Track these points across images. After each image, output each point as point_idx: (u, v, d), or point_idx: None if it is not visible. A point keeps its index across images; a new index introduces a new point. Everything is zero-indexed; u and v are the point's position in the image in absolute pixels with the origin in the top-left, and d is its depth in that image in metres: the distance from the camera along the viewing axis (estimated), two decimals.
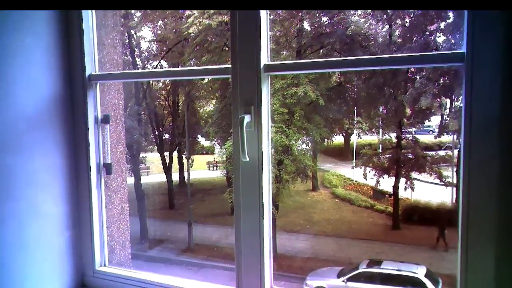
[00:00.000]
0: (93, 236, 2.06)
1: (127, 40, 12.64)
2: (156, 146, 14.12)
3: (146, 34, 13.66)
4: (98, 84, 2.04)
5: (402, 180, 10.45)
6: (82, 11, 1.93)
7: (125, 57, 12.33)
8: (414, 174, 10.40)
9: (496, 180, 1.35)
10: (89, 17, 1.97)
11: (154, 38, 13.53)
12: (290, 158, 10.26)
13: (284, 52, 10.77)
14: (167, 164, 13.74)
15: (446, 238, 9.69)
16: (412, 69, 9.45)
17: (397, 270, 8.86)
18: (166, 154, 13.89)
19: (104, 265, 2.13)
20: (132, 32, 13.09)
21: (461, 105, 1.39)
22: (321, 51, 10.37)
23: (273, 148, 9.85)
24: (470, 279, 1.40)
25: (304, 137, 10.87)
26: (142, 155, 13.78)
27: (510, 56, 1.30)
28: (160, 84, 14.14)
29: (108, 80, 2.12)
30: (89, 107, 2.01)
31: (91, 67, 2.01)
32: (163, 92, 14.60)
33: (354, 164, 12.22)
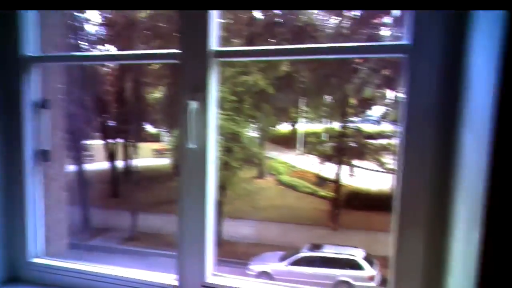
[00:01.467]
0: (26, 225, 1.96)
1: (73, 23, 12.03)
2: (100, 133, 13.63)
3: (94, 17, 13.05)
4: (36, 66, 1.93)
5: (344, 167, 10.83)
6: None
7: (70, 40, 11.74)
8: (356, 162, 10.80)
9: (429, 168, 1.42)
10: None
11: (102, 21, 12.97)
12: (239, 146, 10.29)
13: (235, 40, 10.73)
14: (112, 151, 13.32)
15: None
16: (357, 60, 9.75)
17: (336, 253, 9.21)
18: (111, 141, 13.45)
19: (38, 257, 2.04)
20: (78, 14, 12.47)
21: (402, 96, 1.44)
22: (272, 40, 10.43)
23: (223, 135, 9.84)
24: (401, 259, 1.48)
25: (253, 125, 10.94)
26: (86, 142, 13.26)
27: (450, 50, 1.36)
28: (106, 69, 13.62)
29: (48, 62, 2.01)
30: (26, 91, 1.90)
31: (29, 48, 1.90)
32: (110, 77, 14.07)
33: (299, 151, 12.49)
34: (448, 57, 1.35)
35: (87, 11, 12.46)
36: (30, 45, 1.90)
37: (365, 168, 10.94)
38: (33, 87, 1.92)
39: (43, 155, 1.98)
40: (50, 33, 2.09)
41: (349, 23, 10.18)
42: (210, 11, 1.60)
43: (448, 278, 1.36)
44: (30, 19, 1.88)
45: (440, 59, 1.35)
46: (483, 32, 1.11)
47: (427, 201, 1.43)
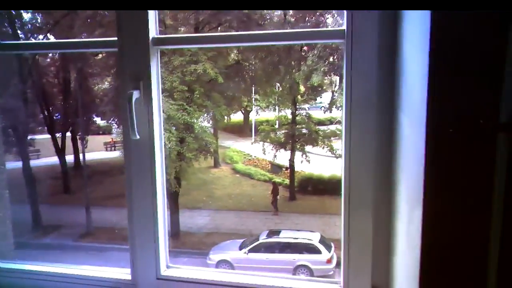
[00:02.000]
0: None
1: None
2: (46, 127, 13.03)
3: None
4: None
5: (298, 154, 11.01)
6: None
7: (4, 29, 11.10)
8: (308, 148, 11.01)
9: (372, 152, 1.47)
10: None
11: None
12: (192, 136, 10.19)
13: (182, 29, 10.54)
14: (60, 146, 12.80)
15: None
16: (305, 47, 9.86)
17: (294, 238, 9.39)
18: (58, 135, 12.91)
19: None
20: None
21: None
22: (219, 28, 10.33)
23: (175, 126, 9.69)
24: (351, 241, 1.53)
25: (205, 115, 10.86)
26: (30, 137, 12.65)
27: (385, 35, 1.40)
28: (48, 60, 13.00)
29: None
30: None
31: None
32: (52, 68, 13.43)
33: (253, 140, 12.57)
34: (384, 42, 1.39)
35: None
36: None
37: (317, 154, 11.16)
38: None
39: None
40: None
41: (294, 10, 10.26)
42: None
43: (394, 256, 1.42)
44: None
45: (377, 44, 1.40)
46: (414, 19, 1.15)
47: (372, 183, 1.48)
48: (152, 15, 1.59)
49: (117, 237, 10.49)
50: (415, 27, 1.14)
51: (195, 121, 10.27)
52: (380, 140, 1.45)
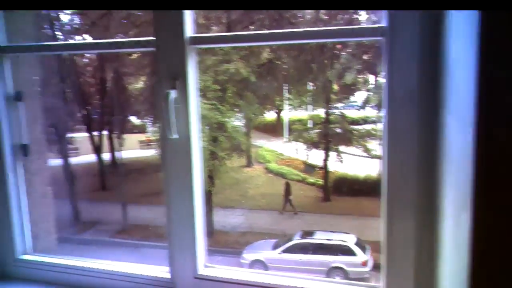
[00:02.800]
0: (12, 222, 1.93)
1: (46, 11, 11.75)
2: (84, 126, 13.44)
3: None
4: (6, 57, 1.87)
5: (332, 154, 10.87)
6: None
7: (44, 31, 11.50)
8: (342, 148, 10.85)
9: (415, 152, 1.42)
10: None
11: (76, 10, 12.70)
12: (225, 135, 10.25)
13: (214, 28, 10.61)
14: (97, 144, 13.17)
15: None
16: (338, 45, 9.73)
17: (328, 239, 9.27)
18: (96, 133, 13.28)
19: (27, 253, 2.01)
20: None
21: (383, 80, 1.43)
22: (251, 27, 10.34)
23: (208, 125, 9.77)
24: (392, 244, 1.48)
25: (237, 114, 10.90)
26: (69, 135, 13.08)
27: (428, 32, 1.35)
28: (86, 60, 13.39)
29: (19, 52, 1.95)
30: None
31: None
32: (89, 68, 13.83)
33: (286, 139, 12.51)
34: (426, 39, 1.34)
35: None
36: (1, 35, 1.83)
37: (351, 154, 11.00)
38: (5, 79, 1.86)
39: (22, 150, 1.93)
40: (20, 22, 2.01)
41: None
42: None
43: (440, 261, 1.37)
44: None
45: (419, 41, 1.34)
46: (461, 17, 1.10)
47: (415, 185, 1.42)
48: (189, 14, 1.58)
49: (151, 235, 10.69)
50: (462, 26, 1.09)
51: (228, 120, 10.32)
52: (423, 140, 1.40)
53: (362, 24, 9.76)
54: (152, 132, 12.89)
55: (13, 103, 1.88)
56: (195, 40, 1.60)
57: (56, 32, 12.37)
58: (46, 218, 2.37)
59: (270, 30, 9.88)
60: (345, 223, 10.40)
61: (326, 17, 10.01)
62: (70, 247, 9.89)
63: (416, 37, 1.35)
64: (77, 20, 12.77)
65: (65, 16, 12.71)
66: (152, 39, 1.61)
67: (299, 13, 10.22)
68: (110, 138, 13.50)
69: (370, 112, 10.95)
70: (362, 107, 10.73)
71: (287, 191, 11.17)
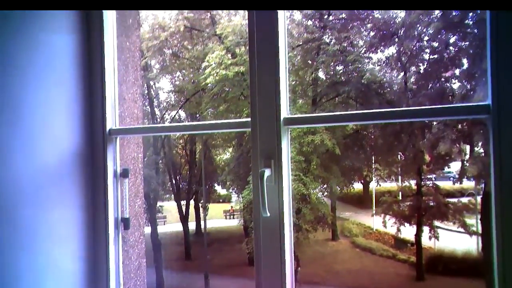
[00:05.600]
0: None
1: (146, 91, 12.99)
2: (173, 195, 14.11)
3: (164, 85, 14.06)
4: (118, 138, 2.05)
5: (424, 229, 10.13)
6: (105, 69, 1.97)
7: (144, 108, 12.63)
8: (436, 222, 10.09)
9: None
10: (111, 73, 2.02)
11: (173, 89, 13.90)
12: (309, 207, 10.11)
13: (300, 101, 10.88)
14: (184, 212, 13.65)
15: None
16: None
17: None
18: (183, 202, 13.83)
19: None
20: (151, 83, 13.47)
21: (481, 150, 1.36)
22: (337, 99, 10.46)
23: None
24: None
25: (321, 186, 10.76)
26: (159, 204, 13.74)
27: None
28: (178, 133, 14.36)
29: (128, 134, 2.14)
30: (109, 161, 2.01)
31: (112, 121, 2.03)
32: (181, 141, 14.78)
33: (374, 212, 11.94)
34: None
35: (161, 79, 13.42)
36: (113, 118, 2.04)
37: (447, 230, 10.19)
38: (115, 158, 2.03)
39: (124, 223, 2.05)
40: (130, 106, 2.22)
41: (415, 77, 9.98)
42: (280, 76, 1.62)
43: None
44: (112, 95, 2.03)
45: None
46: None
47: None
48: (284, 96, 1.65)
49: None
50: None
51: (312, 191, 10.20)
52: None
53: (455, 91, 9.43)
54: (236, 202, 13.11)
55: (119, 180, 2.04)
56: (290, 121, 1.65)
57: (154, 109, 13.56)
58: None
59: (356, 101, 9.92)
60: None
61: (414, 87, 9.85)
62: None
63: None
64: (173, 97, 13.95)
65: (163, 94, 13.97)
66: (248, 121, 1.68)
67: (386, 83, 10.18)
68: (197, 207, 13.96)
69: (466, 183, 10.22)
70: (458, 179, 10.01)
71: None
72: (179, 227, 13.59)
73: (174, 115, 13.74)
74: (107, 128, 2.00)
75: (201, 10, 11.54)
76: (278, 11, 1.63)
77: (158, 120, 13.40)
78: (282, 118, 1.63)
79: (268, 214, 1.59)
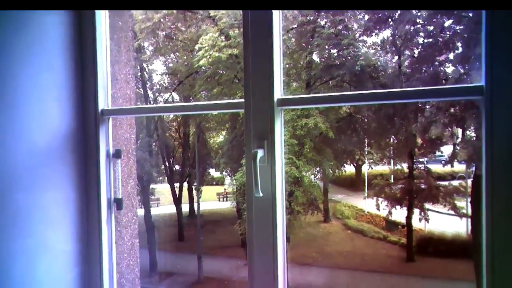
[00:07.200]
0: (102, 273, 2.02)
1: (139, 73, 12.87)
2: (166, 177, 14.12)
3: (158, 67, 13.93)
4: (110, 118, 2.04)
5: (415, 211, 10.25)
6: (97, 48, 1.95)
7: (137, 90, 12.54)
8: (427, 205, 10.20)
9: None
10: (103, 53, 2.00)
11: (166, 71, 13.78)
12: (301, 190, 10.16)
13: (294, 84, 10.84)
14: (177, 195, 13.70)
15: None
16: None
17: None
18: (176, 185, 13.86)
19: None
20: (144, 65, 13.35)
21: (473, 134, 1.37)
22: (331, 82, 10.43)
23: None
24: None
25: (314, 169, 10.80)
26: (152, 186, 13.76)
27: None
28: (171, 115, 14.29)
29: (121, 115, 2.13)
30: (101, 142, 2.00)
31: (104, 102, 2.02)
32: (174, 123, 14.73)
33: (366, 194, 12.05)
34: None
35: (154, 62, 13.31)
36: (105, 99, 2.02)
37: (437, 212, 10.30)
38: (107, 138, 2.03)
39: (116, 204, 2.05)
40: (122, 86, 2.21)
41: (409, 61, 9.96)
42: (274, 57, 1.61)
43: None
44: (105, 75, 2.01)
45: None
46: None
47: None
48: (278, 77, 1.64)
49: None
50: None
51: (304, 174, 10.24)
52: None
53: (448, 75, 9.42)
54: (229, 184, 13.15)
55: (112, 161, 2.04)
56: (283, 102, 1.65)
57: (147, 91, 13.46)
58: (132, 270, 2.44)
59: (350, 84, 9.90)
60: (432, 286, 9.58)
61: (408, 71, 9.84)
62: None
63: None
64: (166, 79, 13.85)
65: (156, 77, 13.85)
66: (242, 101, 1.68)
67: (381, 67, 10.16)
68: (190, 190, 14.00)
69: (457, 166, 10.31)
70: (449, 162, 10.10)
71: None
72: (172, 209, 13.64)
73: (167, 98, 13.66)
74: (100, 109, 1.99)
75: None
76: None
77: (152, 102, 13.32)
78: (275, 99, 1.63)
79: (261, 194, 1.60)
